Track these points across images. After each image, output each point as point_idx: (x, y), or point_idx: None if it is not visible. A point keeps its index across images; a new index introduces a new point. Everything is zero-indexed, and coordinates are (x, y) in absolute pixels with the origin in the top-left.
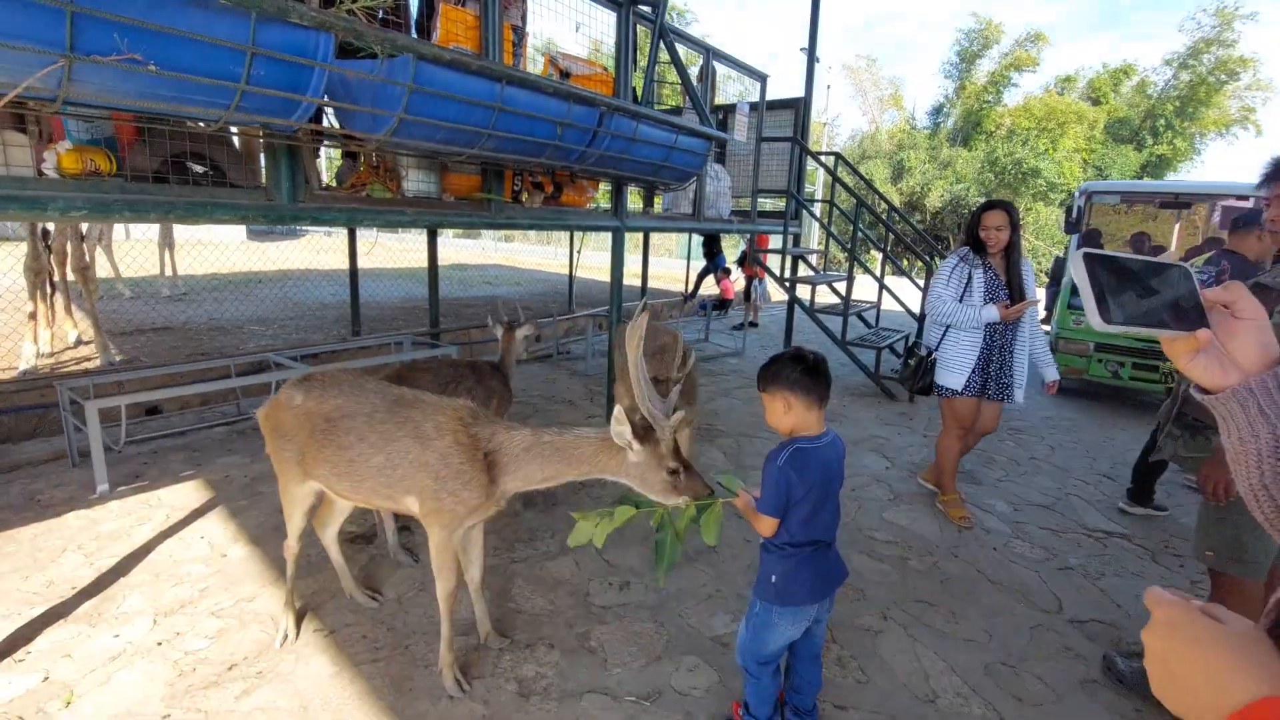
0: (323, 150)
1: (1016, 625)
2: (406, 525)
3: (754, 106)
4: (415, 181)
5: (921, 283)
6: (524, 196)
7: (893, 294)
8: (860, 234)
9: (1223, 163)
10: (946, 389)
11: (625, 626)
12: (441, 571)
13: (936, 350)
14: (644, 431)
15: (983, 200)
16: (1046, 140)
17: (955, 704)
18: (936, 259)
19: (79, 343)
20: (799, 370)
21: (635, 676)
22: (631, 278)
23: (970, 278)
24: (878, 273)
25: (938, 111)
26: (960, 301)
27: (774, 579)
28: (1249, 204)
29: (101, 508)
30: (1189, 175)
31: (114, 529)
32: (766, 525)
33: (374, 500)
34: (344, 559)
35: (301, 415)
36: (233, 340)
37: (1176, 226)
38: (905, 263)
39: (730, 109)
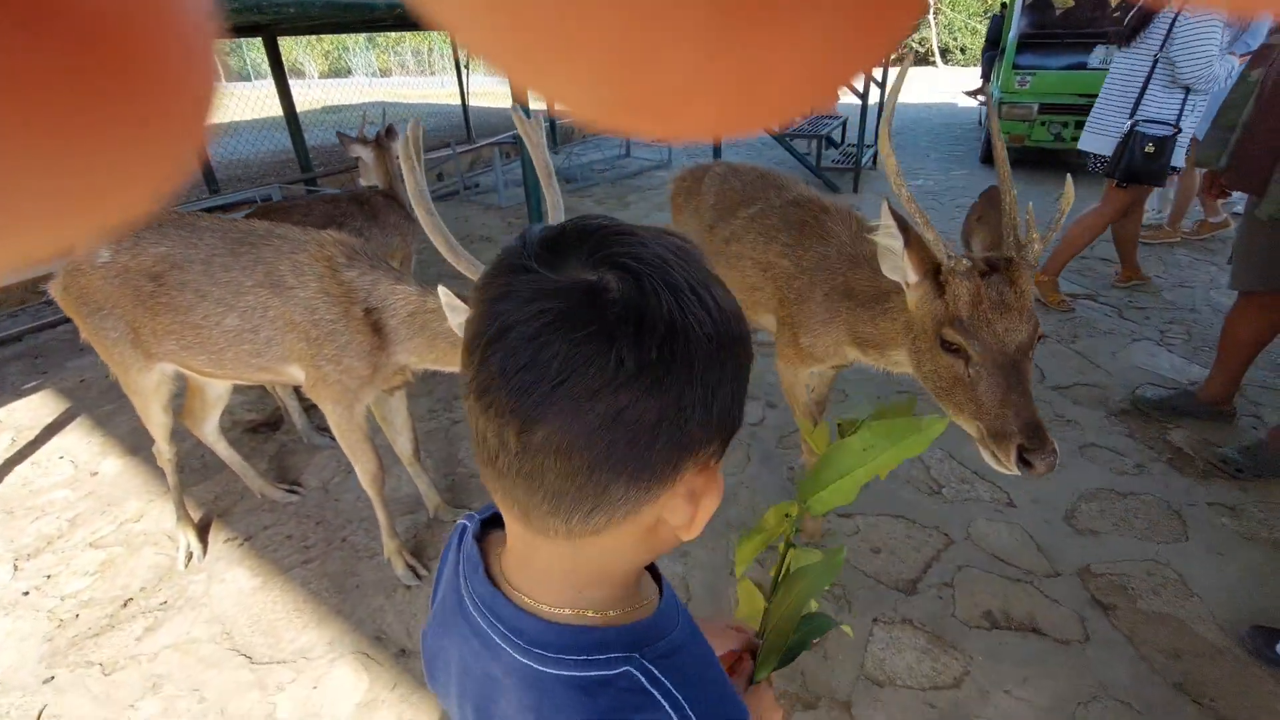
0: None
1: None
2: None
3: None
4: None
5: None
6: None
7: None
8: None
9: None
10: (1175, 167)
11: None
12: (354, 453)
13: (1180, 122)
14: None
15: None
16: None
17: (961, 490)
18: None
19: None
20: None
21: None
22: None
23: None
24: None
25: None
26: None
27: None
28: None
29: None
30: None
31: None
32: None
33: (248, 374)
34: (240, 454)
35: (114, 277)
36: None
37: None
38: None
39: None
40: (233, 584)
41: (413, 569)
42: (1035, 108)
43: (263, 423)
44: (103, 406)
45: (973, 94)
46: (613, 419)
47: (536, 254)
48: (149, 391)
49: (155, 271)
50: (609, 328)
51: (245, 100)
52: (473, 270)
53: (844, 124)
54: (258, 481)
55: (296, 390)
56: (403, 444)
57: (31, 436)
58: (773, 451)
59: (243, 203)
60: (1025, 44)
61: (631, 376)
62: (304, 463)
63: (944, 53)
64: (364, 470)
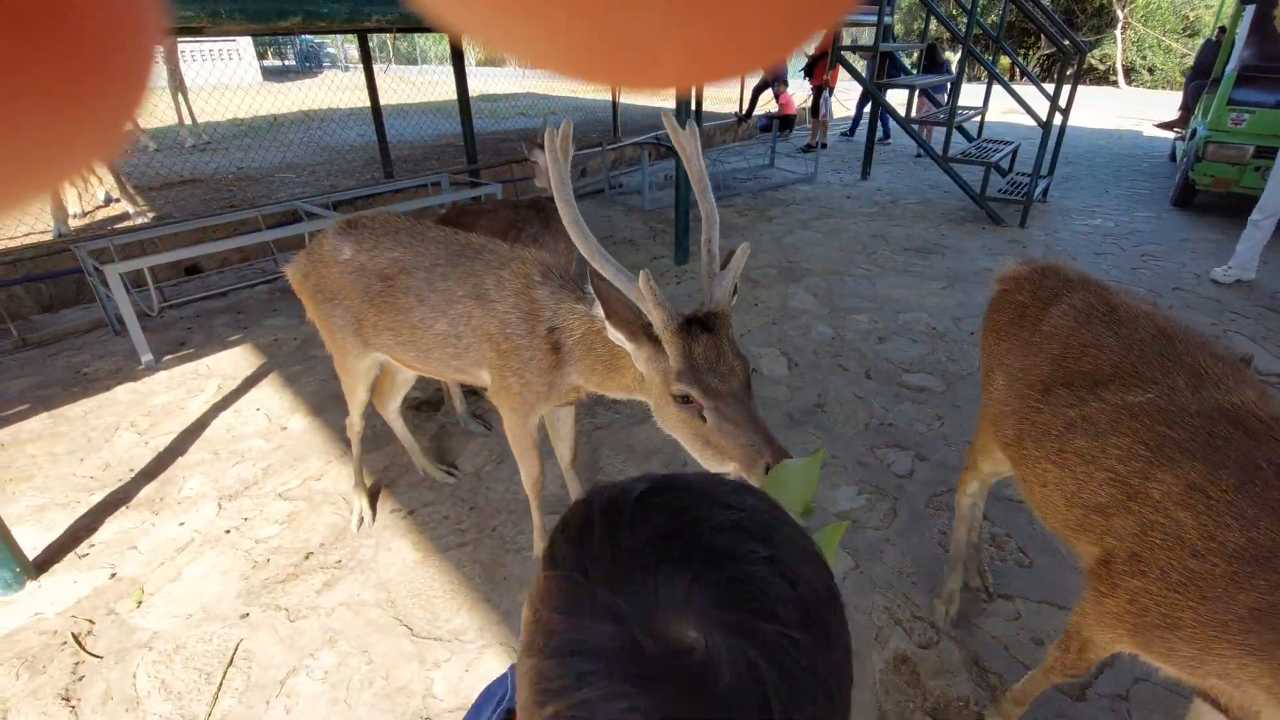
0: None
1: None
2: (475, 391)
3: None
4: None
5: (1050, 87)
6: None
7: (1018, 98)
8: (977, 21)
9: None
10: None
11: None
12: (521, 459)
13: None
14: (630, 317)
15: None
16: None
17: None
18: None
19: (109, 200)
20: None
21: None
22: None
23: None
24: (988, 72)
25: None
26: None
27: None
28: None
29: (150, 379)
30: None
31: (165, 403)
32: None
33: (445, 373)
34: (410, 431)
35: (352, 273)
36: (263, 190)
37: None
38: (1026, 57)
39: None
40: (398, 554)
41: None
42: (1250, 150)
43: (424, 401)
44: (292, 366)
45: (1167, 125)
46: None
47: (612, 557)
48: (359, 374)
49: (387, 274)
50: None
51: (413, 85)
52: (608, 271)
53: (1015, 151)
54: (423, 459)
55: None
56: (563, 450)
57: (233, 386)
58: (921, 511)
59: (415, 187)
60: (1246, 77)
61: None
62: (460, 446)
63: (1128, 72)
64: (527, 474)
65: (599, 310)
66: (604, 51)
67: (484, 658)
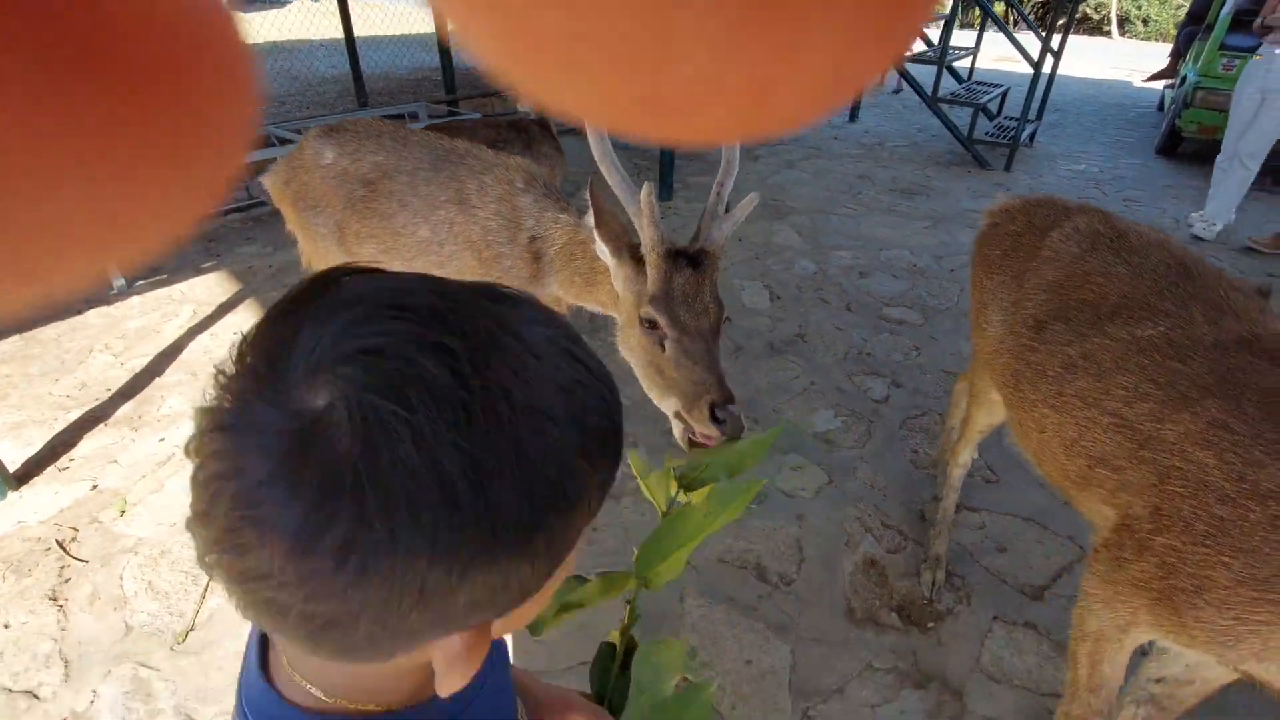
0: None
1: None
2: None
3: None
4: None
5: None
6: None
7: (1012, 37)
8: None
9: None
10: None
11: None
12: None
13: None
14: (618, 231)
15: None
16: None
17: None
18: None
19: None
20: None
21: None
22: None
23: None
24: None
25: None
26: None
27: None
28: None
29: (123, 304)
30: None
31: (140, 326)
32: None
33: None
34: None
35: (334, 178)
36: None
37: None
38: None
39: None
40: None
41: None
42: None
43: None
44: (268, 293)
45: (1156, 76)
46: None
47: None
48: None
49: (369, 178)
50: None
51: (387, 15)
52: (613, 178)
53: (1004, 94)
54: None
55: None
56: None
57: (208, 311)
58: (895, 432)
59: (391, 117)
60: (1241, 21)
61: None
62: None
63: (1122, 22)
64: None
65: (590, 219)
66: (647, 104)
67: None
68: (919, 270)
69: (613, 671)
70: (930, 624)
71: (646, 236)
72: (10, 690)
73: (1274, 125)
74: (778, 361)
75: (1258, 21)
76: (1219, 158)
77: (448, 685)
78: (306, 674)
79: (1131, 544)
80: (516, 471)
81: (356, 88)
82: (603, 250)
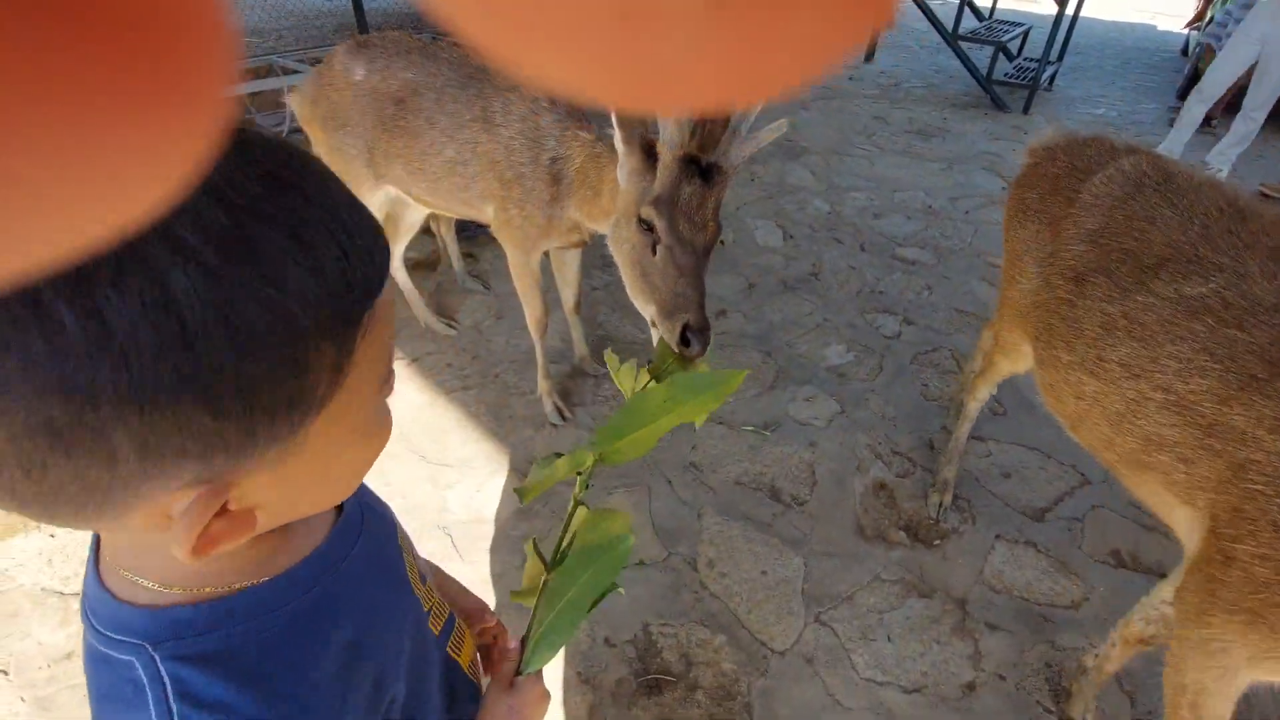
0: None
1: None
2: (471, 252)
3: None
4: None
5: None
6: None
7: None
8: None
9: None
10: None
11: (730, 356)
12: (524, 297)
13: None
14: (636, 126)
15: None
16: None
17: None
18: None
19: None
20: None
21: (749, 406)
22: None
23: None
24: None
25: None
26: None
27: None
28: None
29: None
30: None
31: None
32: None
33: (455, 207)
34: (413, 285)
35: (364, 95)
36: None
37: None
38: None
39: None
40: (406, 397)
41: (559, 410)
42: None
43: (420, 262)
44: None
45: (1193, 23)
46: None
47: None
48: (373, 210)
49: (399, 96)
50: None
51: None
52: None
53: (1026, 34)
54: (424, 311)
55: (457, 233)
56: (568, 295)
57: None
58: (906, 366)
59: None
60: None
61: None
62: (458, 303)
63: None
64: (531, 314)
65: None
66: (625, 73)
67: (494, 480)
68: (933, 211)
69: (560, 541)
70: (936, 541)
71: (668, 133)
72: (62, 594)
73: (1278, 74)
74: (791, 298)
75: None
76: (1192, 96)
77: (181, 548)
78: (129, 566)
79: (1218, 557)
80: (163, 303)
81: (358, 16)
82: (617, 139)
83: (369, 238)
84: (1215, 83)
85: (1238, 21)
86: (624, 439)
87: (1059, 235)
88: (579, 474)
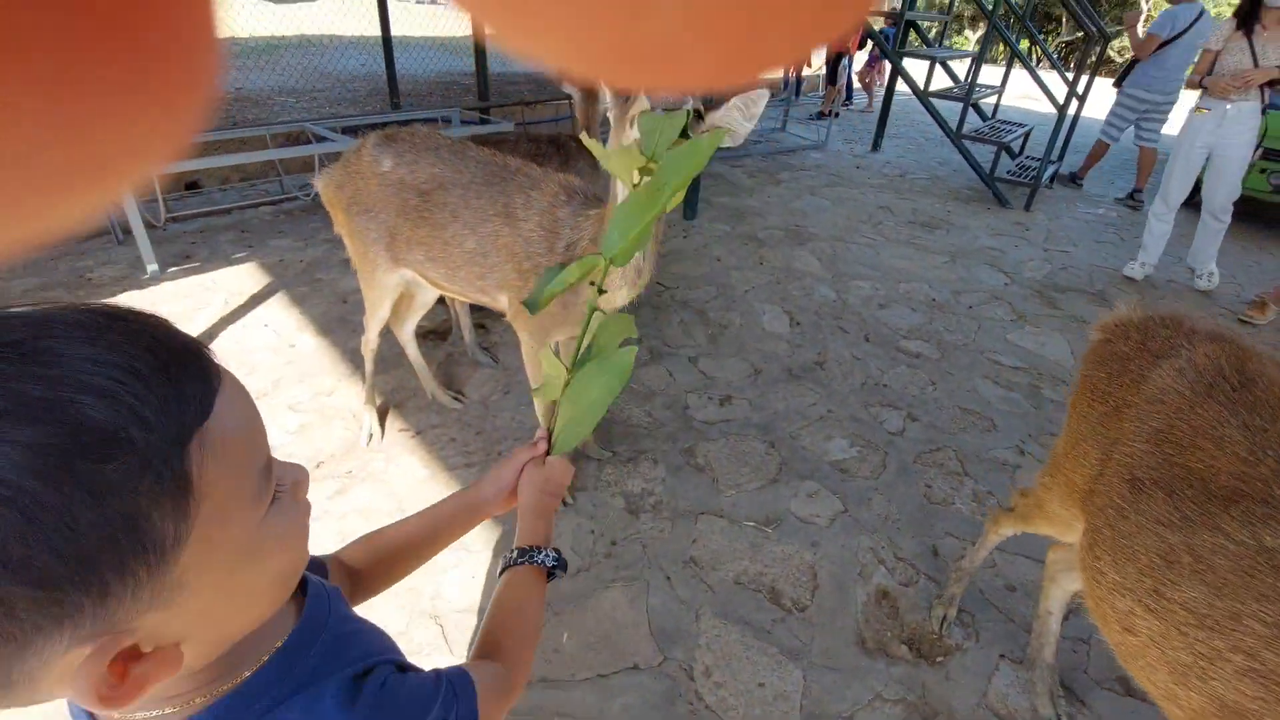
0: None
1: None
2: (483, 324)
3: None
4: None
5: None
6: None
7: (1037, 78)
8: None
9: None
10: None
11: (733, 445)
12: (535, 383)
13: None
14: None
15: None
16: None
17: None
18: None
19: None
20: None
21: (750, 500)
22: None
23: None
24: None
25: None
26: None
27: None
28: None
29: (155, 289)
30: None
31: (172, 312)
32: None
33: (470, 293)
34: (421, 357)
35: (390, 185)
36: (263, 112)
37: None
38: (1050, 40)
39: None
40: (407, 469)
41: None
42: (1258, 152)
43: (432, 331)
44: (299, 287)
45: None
46: None
47: None
48: (386, 290)
49: (424, 189)
50: None
51: (414, 16)
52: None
53: (1028, 134)
54: (432, 383)
55: (471, 308)
56: None
57: (240, 301)
58: (909, 465)
59: (424, 120)
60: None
61: None
62: (466, 375)
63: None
64: (539, 401)
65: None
66: (624, 52)
67: (490, 567)
68: (937, 304)
69: (579, 343)
70: (939, 658)
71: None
72: None
73: (1236, 175)
74: (795, 387)
75: (1195, 79)
76: (1153, 205)
77: (85, 700)
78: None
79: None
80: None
81: (390, 87)
82: (606, 96)
83: (161, 379)
84: (1174, 192)
85: (1120, 118)
86: (627, 239)
87: (1122, 423)
88: (591, 283)
